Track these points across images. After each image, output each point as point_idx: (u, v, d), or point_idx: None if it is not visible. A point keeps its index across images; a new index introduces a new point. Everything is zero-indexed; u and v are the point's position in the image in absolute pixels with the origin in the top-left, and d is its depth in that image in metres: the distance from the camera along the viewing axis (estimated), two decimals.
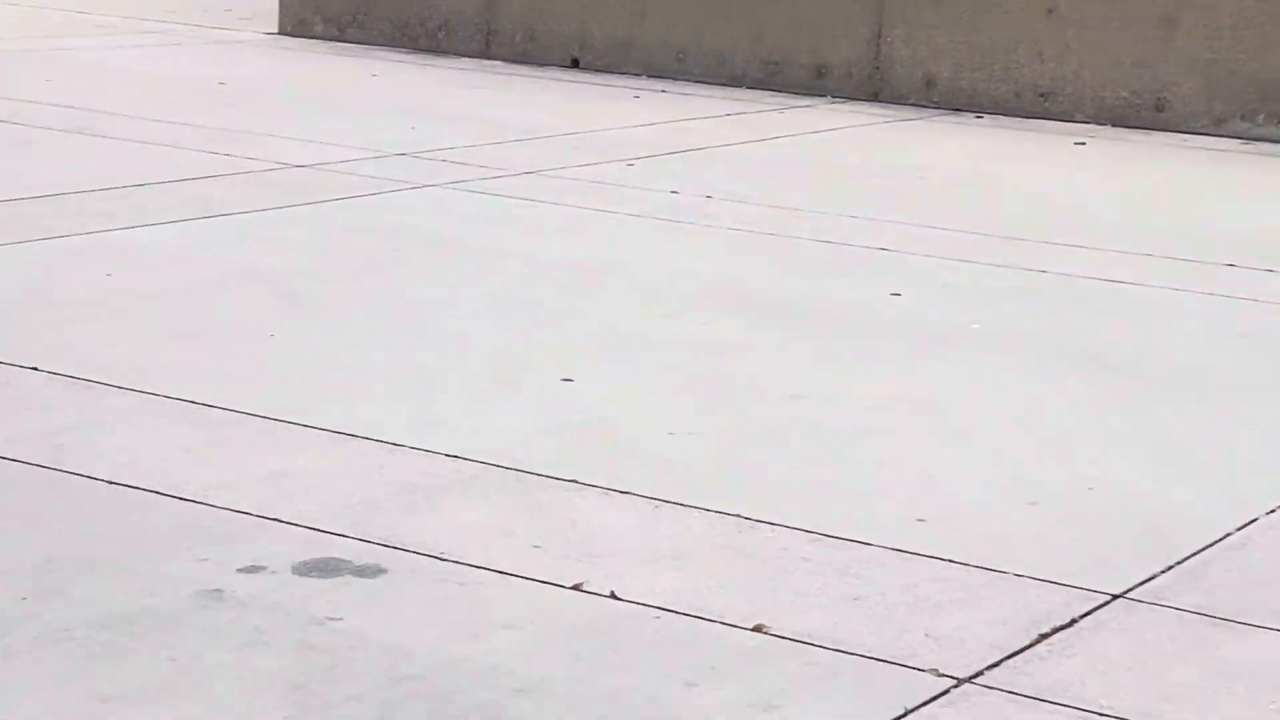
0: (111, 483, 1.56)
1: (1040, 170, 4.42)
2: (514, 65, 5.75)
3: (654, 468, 1.76)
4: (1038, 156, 4.64)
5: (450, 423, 1.94)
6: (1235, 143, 4.81)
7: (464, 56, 5.89)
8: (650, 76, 5.66)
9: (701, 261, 3.03)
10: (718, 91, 5.35)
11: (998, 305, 2.78)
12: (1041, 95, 5.13)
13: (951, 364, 2.34)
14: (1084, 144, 4.77)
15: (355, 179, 3.60)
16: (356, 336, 2.33)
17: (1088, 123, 5.02)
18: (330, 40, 6.12)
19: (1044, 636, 1.15)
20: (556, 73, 5.62)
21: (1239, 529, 1.55)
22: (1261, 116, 4.81)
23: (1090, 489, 1.71)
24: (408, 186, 3.60)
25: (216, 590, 1.19)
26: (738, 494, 1.64)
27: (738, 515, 1.54)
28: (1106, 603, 1.25)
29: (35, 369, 1.96)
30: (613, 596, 1.26)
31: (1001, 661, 1.08)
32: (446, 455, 1.75)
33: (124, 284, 2.52)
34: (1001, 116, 5.15)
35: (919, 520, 1.56)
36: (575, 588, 1.27)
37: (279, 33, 6.28)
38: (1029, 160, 4.60)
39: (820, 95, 5.40)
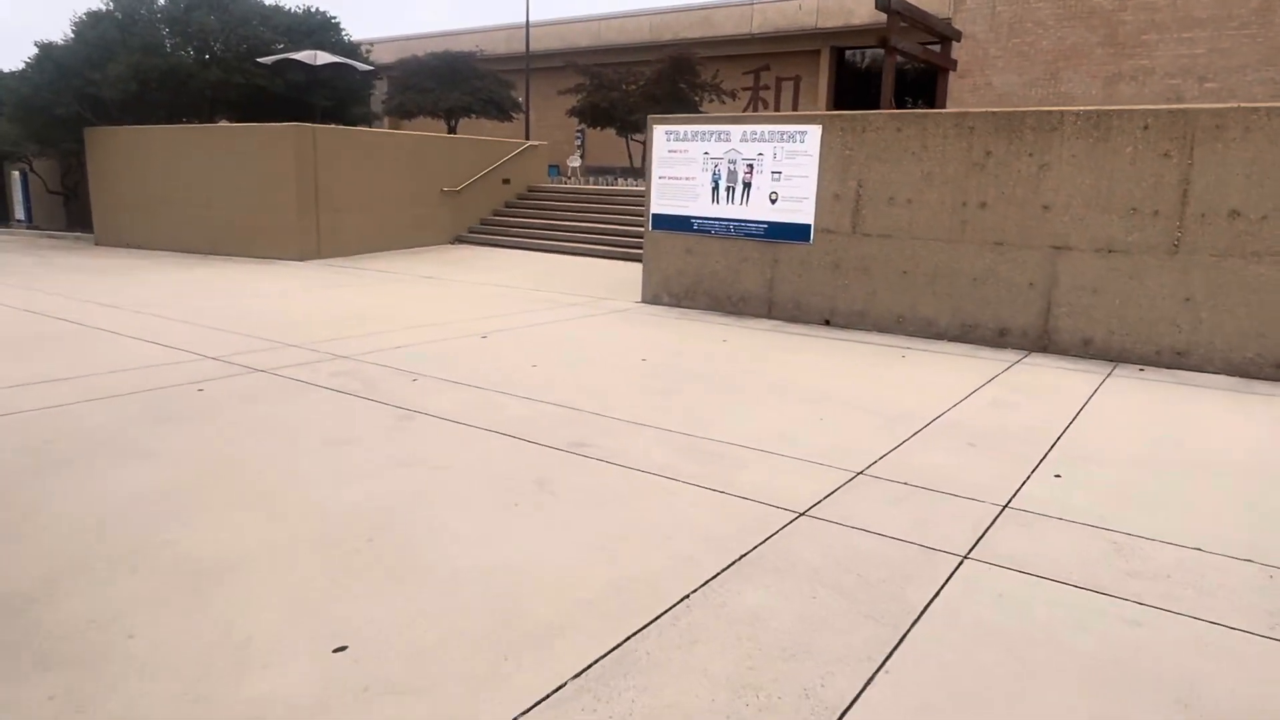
0: None
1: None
2: (788, 323, 8.62)
3: None
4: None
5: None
6: None
7: (753, 317, 8.91)
8: (879, 332, 8.21)
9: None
10: (935, 345, 7.72)
11: None
12: (1178, 354, 6.82)
13: None
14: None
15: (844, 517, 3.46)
16: None
17: (1217, 373, 6.61)
18: (670, 306, 9.50)
19: None
20: (816, 329, 8.36)
21: None
22: None
23: None
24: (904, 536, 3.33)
25: None
26: None
27: None
28: None
29: None
30: None
31: None
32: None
33: None
34: (1149, 368, 6.91)
35: None
36: None
37: (640, 301, 9.83)
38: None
39: (1002, 348, 7.55)
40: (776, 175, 8.60)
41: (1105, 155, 6.95)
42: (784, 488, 3.89)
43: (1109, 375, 6.58)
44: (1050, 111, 7.16)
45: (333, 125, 14.10)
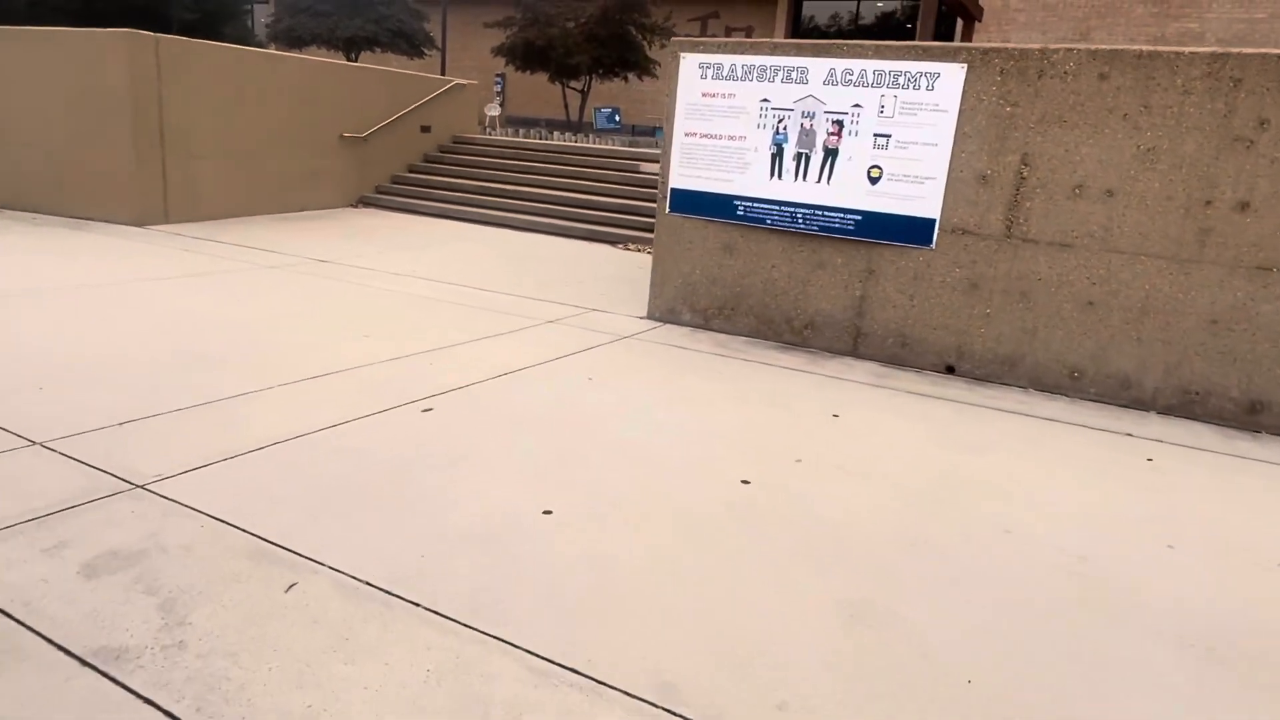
0: None
1: None
2: (890, 367, 5.69)
3: None
4: None
5: None
6: None
7: (830, 353, 5.95)
8: (1038, 391, 5.37)
9: None
10: (1148, 424, 4.94)
11: None
12: None
13: None
14: None
15: None
16: None
17: None
18: (696, 328, 6.41)
19: None
20: (939, 381, 5.46)
21: None
22: None
23: None
24: None
25: None
26: None
27: None
28: None
29: None
30: None
31: None
32: None
33: None
34: None
35: None
36: None
37: (647, 316, 6.68)
38: None
39: (1254, 431, 4.84)
40: (882, 140, 5.57)
41: None
42: None
43: None
44: None
45: (184, 38, 10.21)
